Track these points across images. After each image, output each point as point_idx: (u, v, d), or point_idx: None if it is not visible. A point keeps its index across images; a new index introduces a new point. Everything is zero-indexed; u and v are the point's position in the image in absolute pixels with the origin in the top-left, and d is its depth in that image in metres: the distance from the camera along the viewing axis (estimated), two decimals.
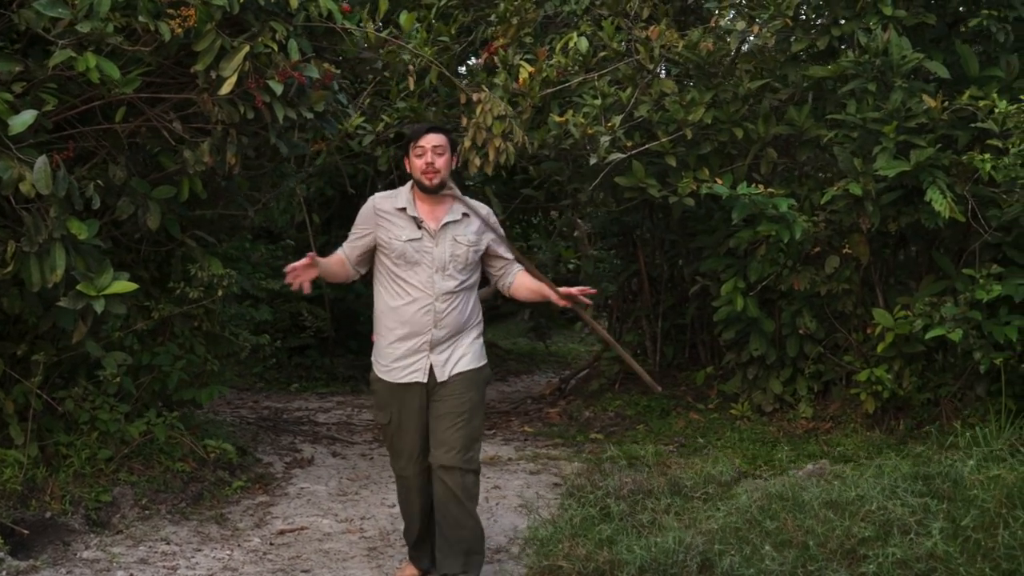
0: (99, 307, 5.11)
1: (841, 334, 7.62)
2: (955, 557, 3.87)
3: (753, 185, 6.79)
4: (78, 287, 5.10)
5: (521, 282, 4.83)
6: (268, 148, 6.04)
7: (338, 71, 5.78)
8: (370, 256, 4.76)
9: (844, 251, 7.24)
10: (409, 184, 4.75)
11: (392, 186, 5.96)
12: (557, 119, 6.92)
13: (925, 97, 6.60)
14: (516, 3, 7.57)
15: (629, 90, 7.12)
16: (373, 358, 4.80)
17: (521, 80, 6.89)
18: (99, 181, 5.30)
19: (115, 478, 5.93)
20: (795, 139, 7.45)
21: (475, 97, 6.44)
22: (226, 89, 5.19)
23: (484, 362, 4.81)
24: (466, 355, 4.70)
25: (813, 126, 7.25)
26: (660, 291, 9.65)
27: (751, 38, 6.86)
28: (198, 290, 5.97)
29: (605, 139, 6.71)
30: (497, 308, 16.27)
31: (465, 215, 4.70)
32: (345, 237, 4.80)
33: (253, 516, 6.03)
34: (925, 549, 3.92)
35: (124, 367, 5.88)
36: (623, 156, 6.84)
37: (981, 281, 6.50)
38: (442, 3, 7.99)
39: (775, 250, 7.39)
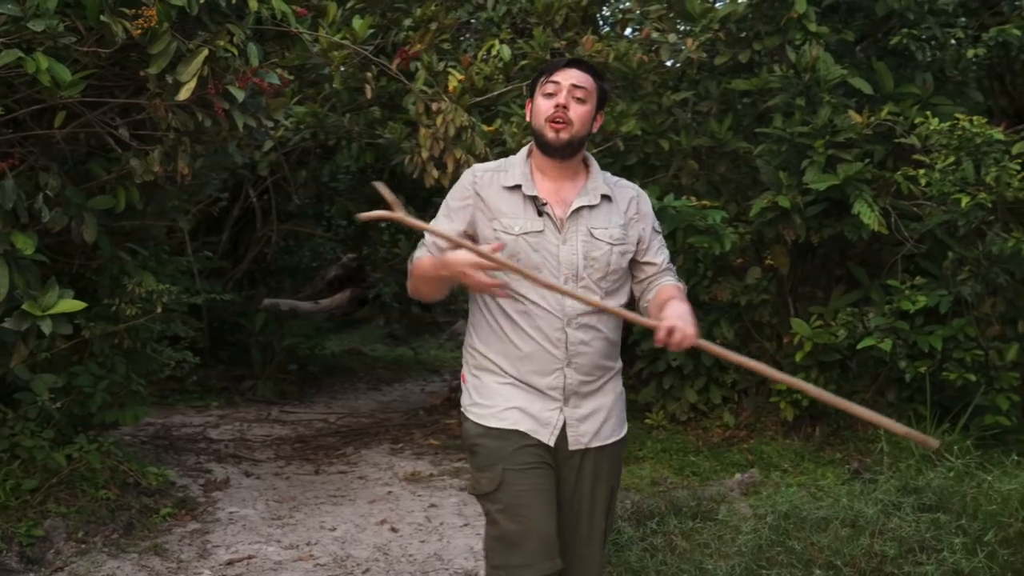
0: (47, 328, 4.74)
1: (756, 343, 7.74)
2: (982, 572, 3.95)
3: (684, 197, 6.81)
4: (24, 307, 4.71)
5: (673, 292, 3.27)
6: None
7: (292, 77, 5.50)
8: None
9: (766, 262, 7.36)
10: (525, 149, 3.37)
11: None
12: (486, 128, 6.79)
13: (851, 112, 6.76)
14: (433, 8, 7.42)
15: None
16: (466, 403, 3.37)
17: (451, 88, 6.73)
18: (23, 192, 4.92)
19: (43, 510, 5.50)
20: (715, 151, 7.52)
21: (435, 107, 6.25)
22: (184, 95, 4.86)
23: (626, 427, 3.47)
24: (611, 417, 3.33)
25: (733, 139, 7.34)
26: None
27: (682, 50, 6.87)
28: (135, 307, 5.59)
29: None
30: (352, 313, 16.10)
31: (606, 198, 3.31)
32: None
33: (192, 546, 5.69)
34: (953, 566, 3.99)
35: (53, 390, 5.47)
36: None
37: (907, 292, 6.70)
38: (349, 5, 7.75)
39: (692, 261, 7.45)
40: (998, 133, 6.30)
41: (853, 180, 6.70)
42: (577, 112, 3.21)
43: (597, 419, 3.28)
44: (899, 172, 6.67)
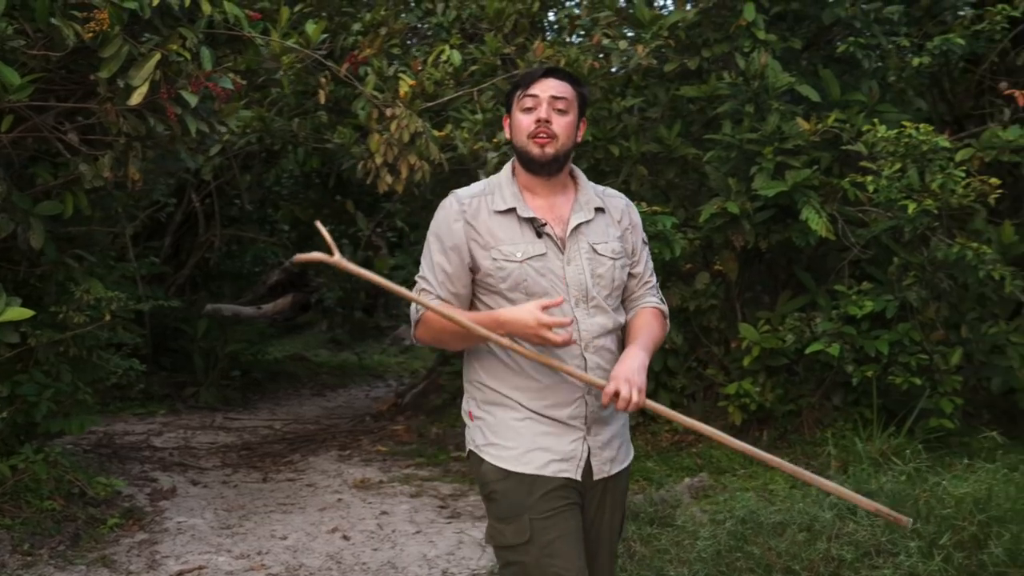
0: None
1: (704, 348, 7.79)
2: None
3: (635, 203, 6.83)
4: None
5: (642, 324, 3.14)
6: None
7: (244, 81, 5.44)
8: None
9: (715, 268, 7.41)
10: (507, 168, 3.16)
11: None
12: (437, 134, 6.77)
13: (799, 119, 6.83)
14: (383, 13, 7.39)
15: None
16: (475, 443, 3.10)
17: (403, 93, 6.69)
18: None
19: None
20: (664, 157, 7.56)
21: (388, 112, 6.20)
22: (136, 99, 4.79)
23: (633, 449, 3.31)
24: (624, 441, 3.18)
25: (681, 145, 7.38)
26: None
27: (632, 57, 6.89)
28: (83, 314, 5.49)
29: (492, 155, 6.61)
30: (294, 318, 15.96)
31: (599, 210, 3.14)
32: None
33: (140, 556, 5.59)
34: (909, 569, 4.04)
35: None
36: None
37: (853, 297, 6.77)
38: (297, 9, 7.69)
39: None
40: (944, 140, 6.40)
41: (801, 187, 6.77)
42: (560, 124, 3.02)
43: (615, 445, 3.11)
44: (847, 179, 6.74)
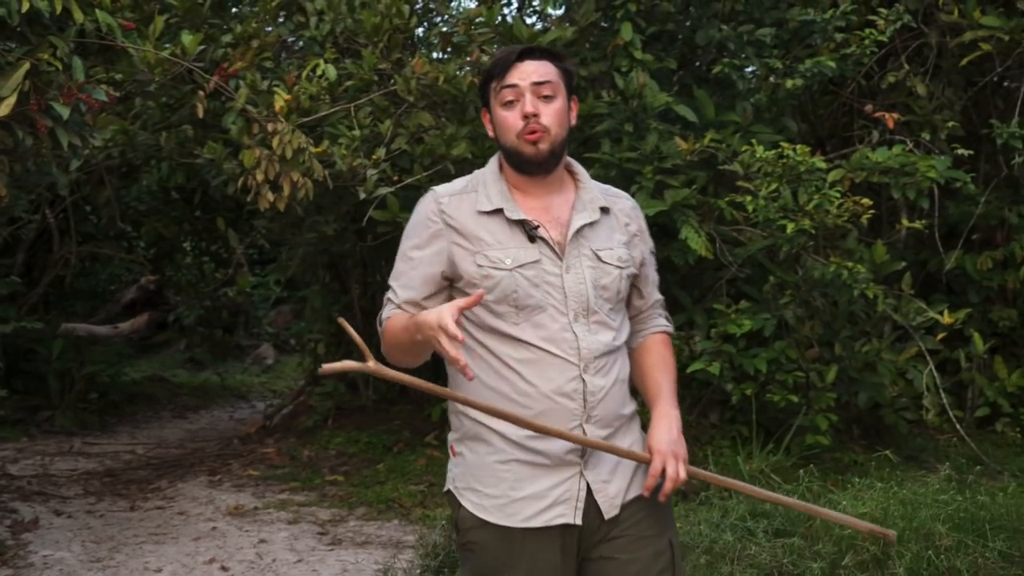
0: None
1: None
2: None
3: None
4: None
5: (659, 362, 2.80)
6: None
7: (118, 93, 5.21)
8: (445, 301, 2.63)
9: None
10: (493, 163, 2.75)
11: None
12: (315, 149, 6.60)
13: (677, 139, 6.87)
14: (254, 25, 7.18)
15: (388, 122, 6.92)
16: (455, 482, 2.71)
17: (278, 107, 6.51)
18: None
19: None
20: None
21: (270, 127, 6.00)
22: (4, 111, 4.54)
23: None
24: (640, 464, 2.68)
25: None
26: (374, 324, 9.44)
27: None
28: None
29: (372, 172, 6.48)
30: (150, 338, 15.47)
31: (604, 211, 2.73)
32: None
33: None
34: None
35: None
36: (392, 190, 6.62)
37: (732, 316, 6.84)
38: (164, 18, 7.42)
39: None
40: (819, 161, 6.51)
41: (680, 206, 6.81)
42: (549, 113, 2.63)
43: (625, 473, 2.65)
44: (726, 199, 6.81)
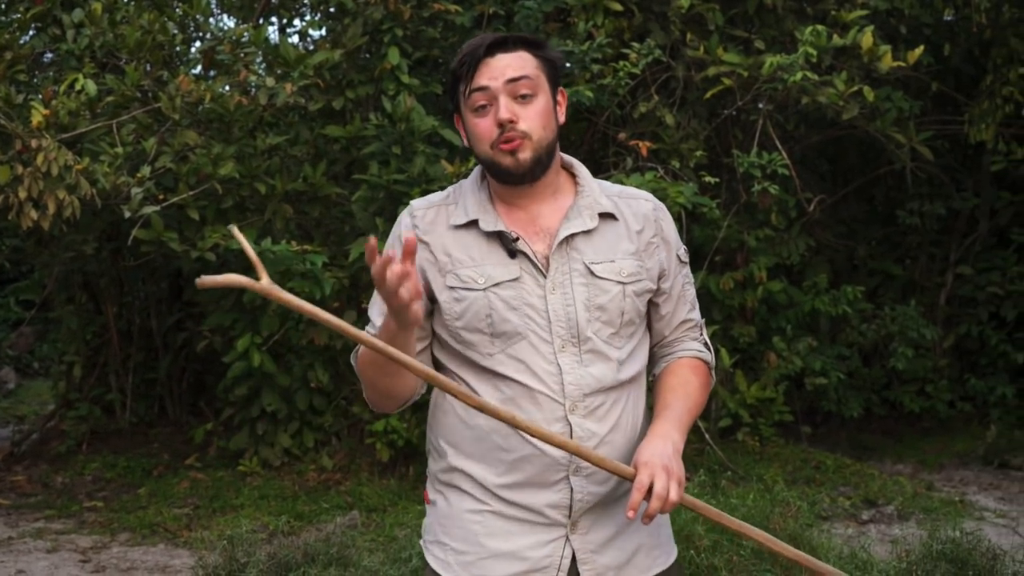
0: None
1: (352, 386, 7.82)
2: None
3: (285, 241, 6.78)
4: None
5: (674, 384, 2.34)
6: None
7: None
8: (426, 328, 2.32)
9: (363, 306, 7.47)
10: (476, 173, 2.37)
11: None
12: (77, 167, 6.42)
13: (444, 162, 7.05)
14: (7, 37, 6.94)
15: (152, 140, 6.81)
16: (427, 538, 2.37)
17: (36, 122, 6.31)
18: None
19: None
20: (309, 196, 7.55)
21: (34, 143, 5.79)
22: None
23: (676, 550, 2.42)
24: (646, 539, 2.30)
25: (327, 184, 7.42)
26: (131, 345, 9.23)
27: (280, 95, 6.84)
28: None
29: (137, 191, 6.36)
30: None
31: (608, 217, 2.32)
32: None
33: None
34: None
35: None
36: (157, 208, 6.51)
37: None
38: None
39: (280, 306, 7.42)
40: None
41: None
42: (530, 116, 2.21)
43: (624, 547, 2.26)
44: None
